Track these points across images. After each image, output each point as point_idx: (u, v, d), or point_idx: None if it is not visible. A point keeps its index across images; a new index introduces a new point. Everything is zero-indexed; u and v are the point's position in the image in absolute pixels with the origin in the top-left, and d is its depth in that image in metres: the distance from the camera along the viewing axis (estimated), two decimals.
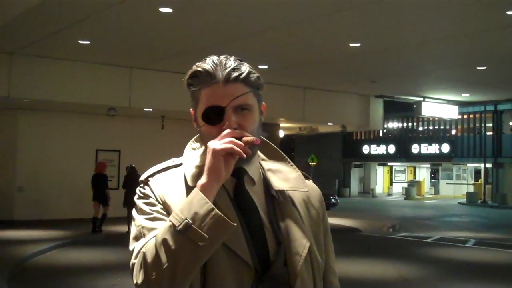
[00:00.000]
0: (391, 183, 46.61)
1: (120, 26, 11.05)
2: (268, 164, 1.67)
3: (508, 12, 9.46)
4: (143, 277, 1.37)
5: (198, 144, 1.66)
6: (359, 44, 12.14)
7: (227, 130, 1.45)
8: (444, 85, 18.21)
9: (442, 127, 37.57)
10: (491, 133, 33.73)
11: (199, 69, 1.52)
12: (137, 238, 1.49)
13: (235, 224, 1.39)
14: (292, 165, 1.70)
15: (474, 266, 11.28)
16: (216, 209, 1.37)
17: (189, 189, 1.49)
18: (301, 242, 1.56)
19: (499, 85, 18.19)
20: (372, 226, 17.64)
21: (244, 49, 12.31)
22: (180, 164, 1.62)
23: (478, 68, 14.76)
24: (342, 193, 38.33)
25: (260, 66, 15.02)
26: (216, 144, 1.42)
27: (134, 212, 1.56)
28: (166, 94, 15.53)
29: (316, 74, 16.27)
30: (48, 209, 16.83)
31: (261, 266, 1.49)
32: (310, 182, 1.73)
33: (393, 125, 40.33)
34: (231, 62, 1.52)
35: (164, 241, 1.36)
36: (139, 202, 1.55)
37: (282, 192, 1.61)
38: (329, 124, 21.29)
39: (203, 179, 1.42)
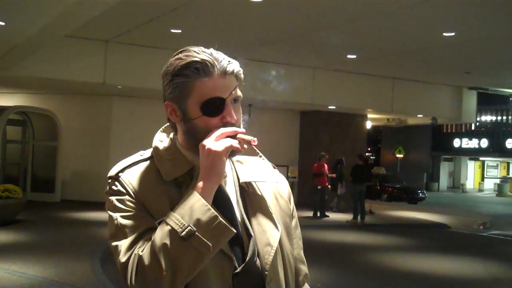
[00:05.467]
0: (482, 178, 44.92)
1: (211, 16, 11.21)
2: (236, 156, 1.60)
3: None
4: (141, 281, 1.36)
5: (164, 135, 1.67)
6: (453, 34, 11.73)
7: (221, 129, 1.44)
8: None
9: None
10: None
11: (195, 59, 1.46)
12: (117, 236, 1.47)
13: (235, 231, 1.40)
14: (261, 156, 1.69)
15: None
16: (219, 216, 1.37)
17: (163, 184, 1.50)
18: (272, 233, 1.55)
19: None
20: (462, 223, 17.06)
21: (333, 39, 12.19)
22: (149, 158, 1.61)
23: None
24: (431, 187, 37.34)
25: (348, 56, 14.83)
26: (214, 144, 1.42)
27: (108, 208, 1.54)
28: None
29: (406, 64, 15.87)
30: None
31: (237, 259, 1.49)
32: (277, 172, 1.73)
33: (487, 118, 38.79)
34: (222, 55, 1.50)
35: (164, 246, 1.35)
36: (113, 199, 1.52)
37: (250, 183, 1.61)
38: (418, 116, 20.76)
39: (201, 182, 1.41)
